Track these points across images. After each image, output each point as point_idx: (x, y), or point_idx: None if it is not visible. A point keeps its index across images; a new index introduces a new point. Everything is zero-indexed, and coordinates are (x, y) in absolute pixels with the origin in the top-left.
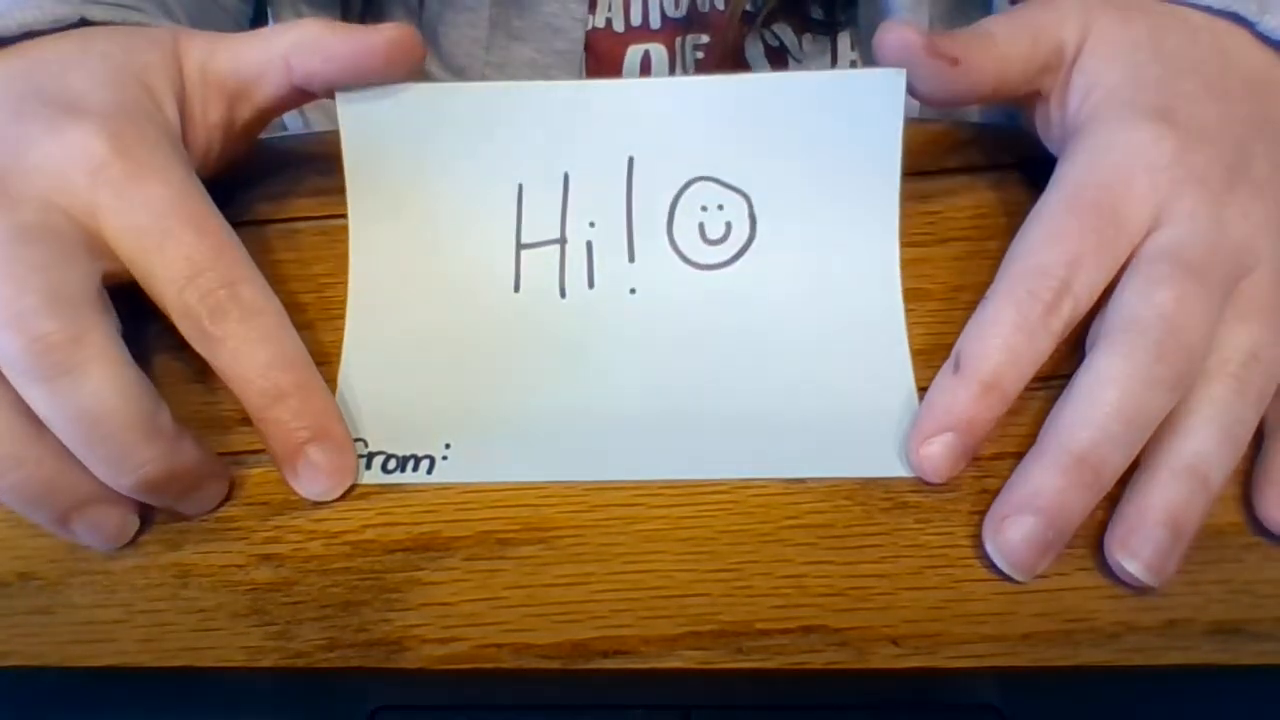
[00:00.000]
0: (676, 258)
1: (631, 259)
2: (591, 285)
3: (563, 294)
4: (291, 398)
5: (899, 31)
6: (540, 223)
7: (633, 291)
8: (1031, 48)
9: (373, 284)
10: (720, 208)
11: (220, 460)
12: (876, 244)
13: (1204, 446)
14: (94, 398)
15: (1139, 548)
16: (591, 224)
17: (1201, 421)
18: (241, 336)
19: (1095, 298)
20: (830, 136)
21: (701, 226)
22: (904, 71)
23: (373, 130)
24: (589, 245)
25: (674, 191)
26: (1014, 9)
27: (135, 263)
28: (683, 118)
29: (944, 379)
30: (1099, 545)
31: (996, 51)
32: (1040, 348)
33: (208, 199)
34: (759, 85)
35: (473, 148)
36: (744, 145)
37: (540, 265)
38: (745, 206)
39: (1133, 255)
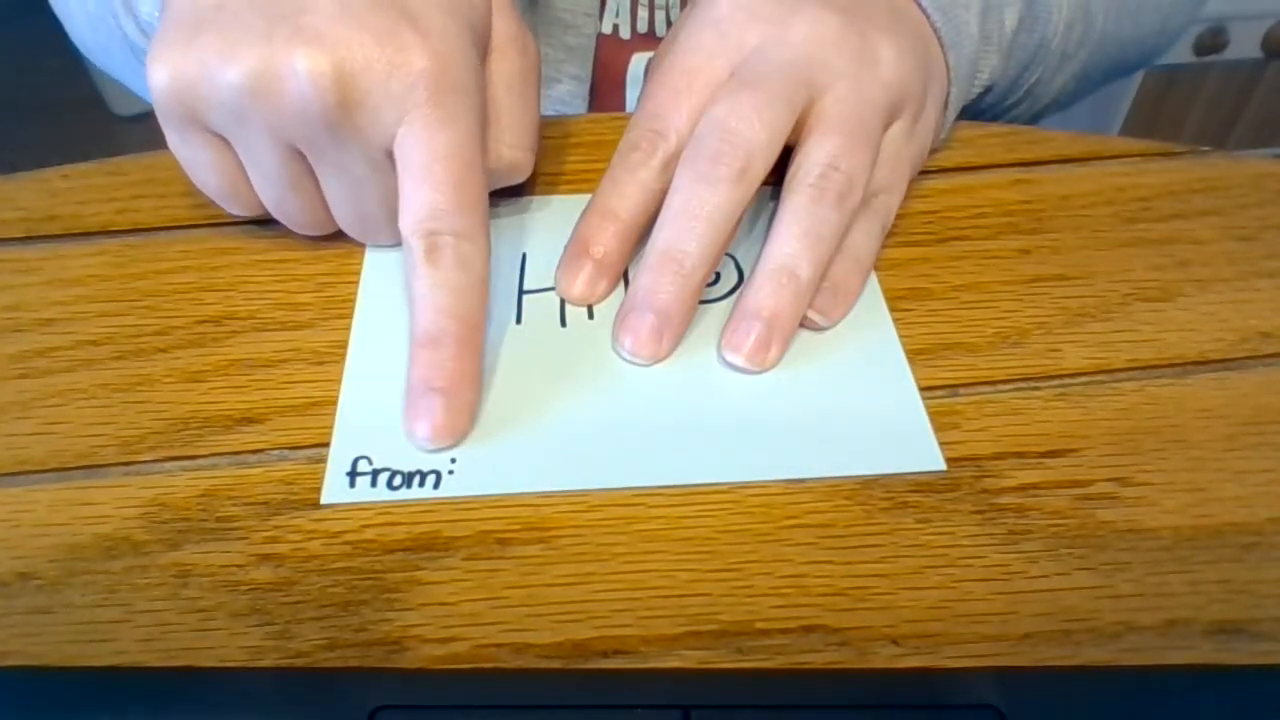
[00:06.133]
0: None
1: None
2: (591, 317)
3: (563, 324)
4: (446, 348)
5: None
6: (542, 277)
7: None
8: None
9: (379, 304)
10: None
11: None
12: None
13: (789, 247)
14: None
15: (739, 341)
16: None
17: (785, 227)
18: (438, 280)
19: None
20: None
21: None
22: None
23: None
24: None
25: None
26: None
27: (400, 179)
28: None
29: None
30: (1101, 545)
31: None
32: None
33: (478, 147)
34: None
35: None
36: None
37: (541, 304)
38: (733, 263)
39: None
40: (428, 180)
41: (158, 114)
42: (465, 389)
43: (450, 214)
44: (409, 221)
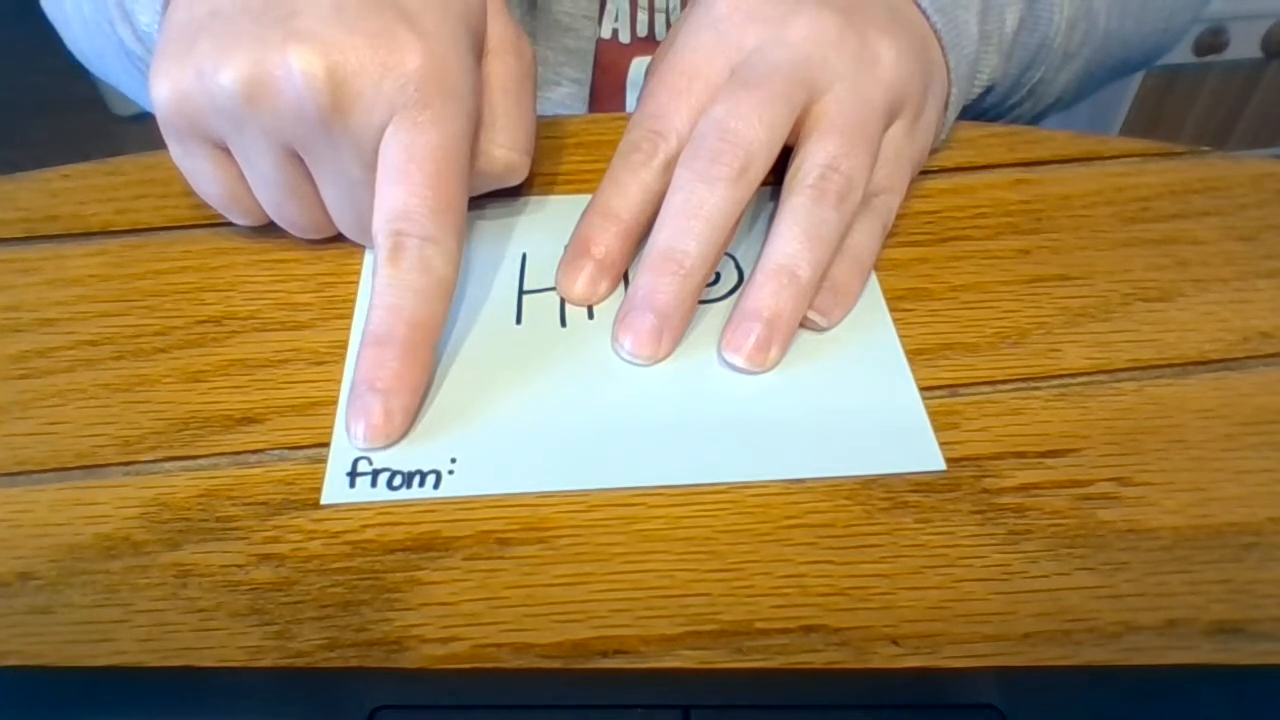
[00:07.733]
0: None
1: None
2: (591, 317)
3: (563, 324)
4: (392, 350)
5: None
6: (541, 277)
7: None
8: None
9: None
10: None
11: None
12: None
13: (789, 248)
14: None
15: (739, 342)
16: None
17: (785, 228)
18: (395, 281)
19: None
20: None
21: None
22: None
23: None
24: None
25: None
26: None
27: (378, 177)
28: None
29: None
30: (1101, 545)
31: None
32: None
33: (465, 153)
34: None
35: (489, 235)
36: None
37: (541, 304)
38: (733, 263)
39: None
40: (402, 181)
41: (161, 127)
42: (404, 393)
43: (420, 216)
44: (379, 220)
